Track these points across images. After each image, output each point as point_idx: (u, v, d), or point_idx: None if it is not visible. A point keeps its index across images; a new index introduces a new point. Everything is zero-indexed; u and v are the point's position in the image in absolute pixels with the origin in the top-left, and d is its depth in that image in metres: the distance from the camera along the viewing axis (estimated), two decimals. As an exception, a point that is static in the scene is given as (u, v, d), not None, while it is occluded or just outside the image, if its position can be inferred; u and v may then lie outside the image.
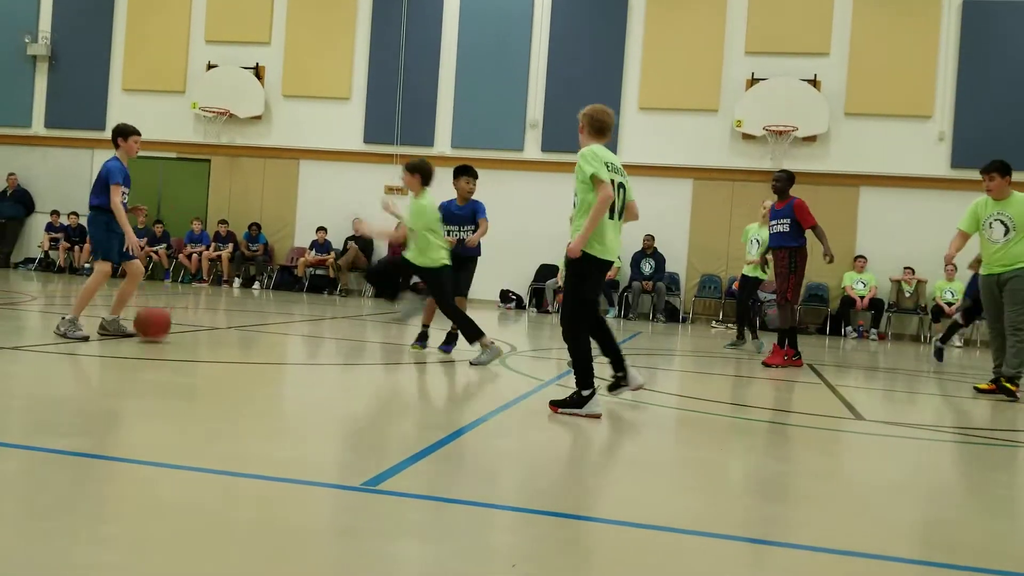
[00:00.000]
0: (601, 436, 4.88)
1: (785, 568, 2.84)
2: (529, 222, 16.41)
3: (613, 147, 17.37)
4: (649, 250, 16.07)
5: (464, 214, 8.16)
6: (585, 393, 5.12)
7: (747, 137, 16.08)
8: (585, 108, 5.51)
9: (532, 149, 16.97)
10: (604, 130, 5.52)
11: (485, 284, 16.79)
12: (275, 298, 15.14)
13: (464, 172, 8.28)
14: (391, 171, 17.25)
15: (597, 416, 5.09)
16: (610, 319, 15.67)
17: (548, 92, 16.85)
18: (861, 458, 4.93)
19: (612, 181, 5.22)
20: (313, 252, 17.21)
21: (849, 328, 15.30)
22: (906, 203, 15.51)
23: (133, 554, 2.47)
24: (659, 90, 16.50)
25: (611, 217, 5.24)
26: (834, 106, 15.82)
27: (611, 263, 5.35)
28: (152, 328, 7.03)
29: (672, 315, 16.03)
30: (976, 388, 7.58)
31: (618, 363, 5.52)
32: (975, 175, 15.16)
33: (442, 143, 17.24)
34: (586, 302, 5.32)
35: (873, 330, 15.08)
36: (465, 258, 8.02)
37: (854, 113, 15.82)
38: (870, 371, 9.83)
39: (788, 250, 8.90)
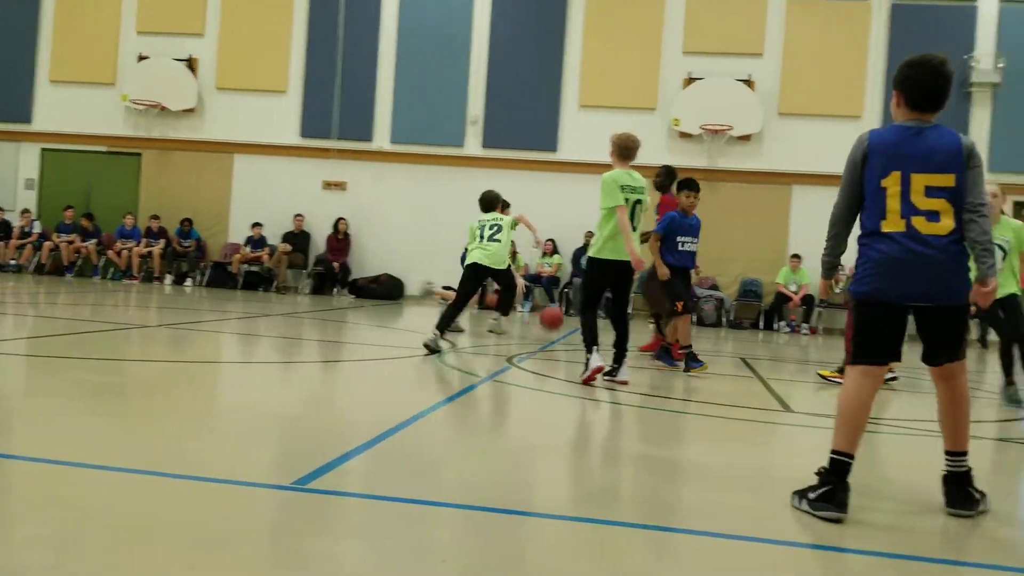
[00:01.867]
0: (526, 430, 4.89)
1: (689, 554, 2.88)
2: (470, 219, 16.39)
3: (552, 144, 17.44)
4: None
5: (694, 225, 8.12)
6: (588, 356, 6.36)
7: (684, 136, 16.29)
8: (613, 135, 6.80)
9: (473, 145, 16.94)
10: (629, 154, 6.68)
11: (427, 280, 16.74)
12: (208, 295, 14.86)
13: (688, 186, 8.18)
14: (329, 166, 17.08)
15: (599, 369, 6.32)
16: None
17: (489, 88, 16.83)
18: (791, 449, 5.03)
19: (628, 200, 6.52)
20: (248, 248, 16.93)
21: (782, 323, 15.60)
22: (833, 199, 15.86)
23: (59, 555, 2.40)
24: (599, 88, 16.60)
25: (633, 230, 6.57)
26: (768, 106, 16.11)
27: (621, 262, 6.50)
28: None
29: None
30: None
31: (618, 358, 6.54)
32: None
33: (381, 138, 17.09)
34: (592, 297, 6.73)
35: (805, 325, 15.41)
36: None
37: (787, 113, 16.14)
38: (801, 365, 10.03)
39: None
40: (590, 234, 15.99)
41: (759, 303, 16.00)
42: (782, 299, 15.49)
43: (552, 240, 16.43)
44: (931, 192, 3.39)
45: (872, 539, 3.18)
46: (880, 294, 3.44)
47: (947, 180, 3.39)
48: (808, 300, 15.45)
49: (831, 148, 15.95)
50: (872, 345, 3.49)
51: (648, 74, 16.51)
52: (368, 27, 17.16)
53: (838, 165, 14.78)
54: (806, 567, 2.95)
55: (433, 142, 16.88)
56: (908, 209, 3.40)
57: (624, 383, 6.43)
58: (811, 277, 15.64)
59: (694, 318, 15.58)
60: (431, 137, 16.91)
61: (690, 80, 16.34)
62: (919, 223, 3.38)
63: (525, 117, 16.73)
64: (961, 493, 3.45)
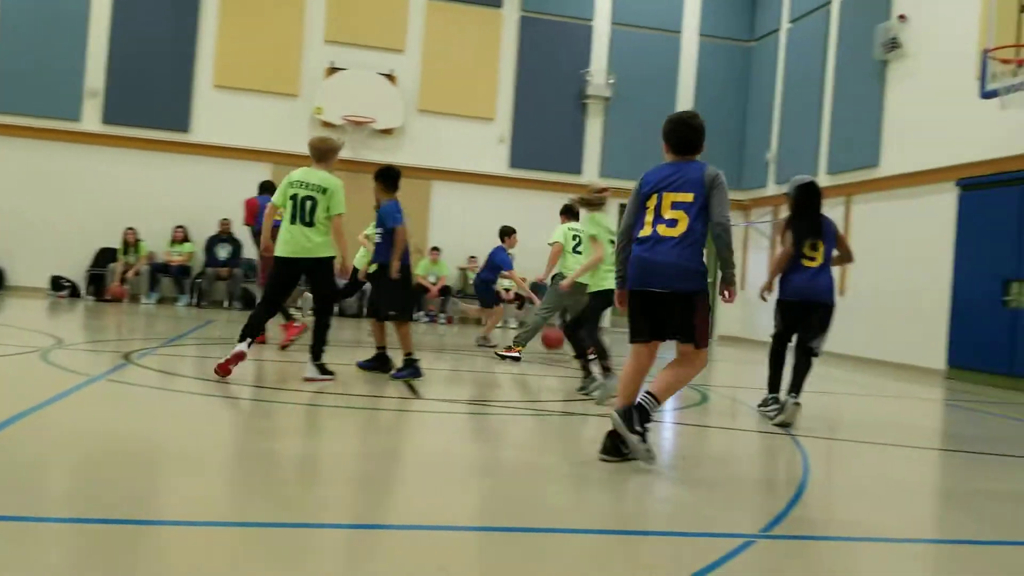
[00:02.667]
0: (149, 433, 4.53)
1: (375, 547, 2.83)
2: (92, 202, 14.97)
3: (184, 124, 16.36)
4: (225, 234, 15.46)
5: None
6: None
7: (327, 125, 16.13)
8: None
9: (92, 120, 15.39)
10: (319, 156, 6.75)
11: (32, 270, 14.96)
12: None
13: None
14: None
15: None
16: (180, 307, 14.81)
17: (112, 58, 15.40)
18: (415, 434, 5.15)
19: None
20: None
21: (421, 313, 16.08)
22: (472, 198, 16.67)
23: None
24: (237, 69, 15.90)
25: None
26: (409, 102, 16.49)
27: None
28: None
29: (249, 303, 15.57)
30: None
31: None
32: (530, 175, 16.97)
33: (-22, 106, 14.95)
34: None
35: (442, 314, 16.02)
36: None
37: (427, 110, 16.63)
38: (437, 353, 10.38)
39: None
40: (226, 221, 15.36)
41: (399, 294, 16.32)
42: (421, 290, 15.95)
43: (183, 227, 15.49)
44: (675, 206, 4.34)
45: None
46: (633, 284, 4.35)
47: (687, 197, 4.34)
48: (446, 291, 16.08)
49: (468, 147, 16.80)
50: (634, 328, 4.39)
51: (290, 59, 16.14)
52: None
53: (475, 163, 15.66)
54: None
55: (42, 113, 15.10)
56: (656, 219, 4.36)
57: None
58: (449, 269, 16.30)
59: (336, 309, 15.58)
60: (40, 108, 15.10)
61: (333, 70, 16.23)
62: (660, 228, 4.32)
63: (154, 93, 15.57)
64: (631, 416, 4.22)
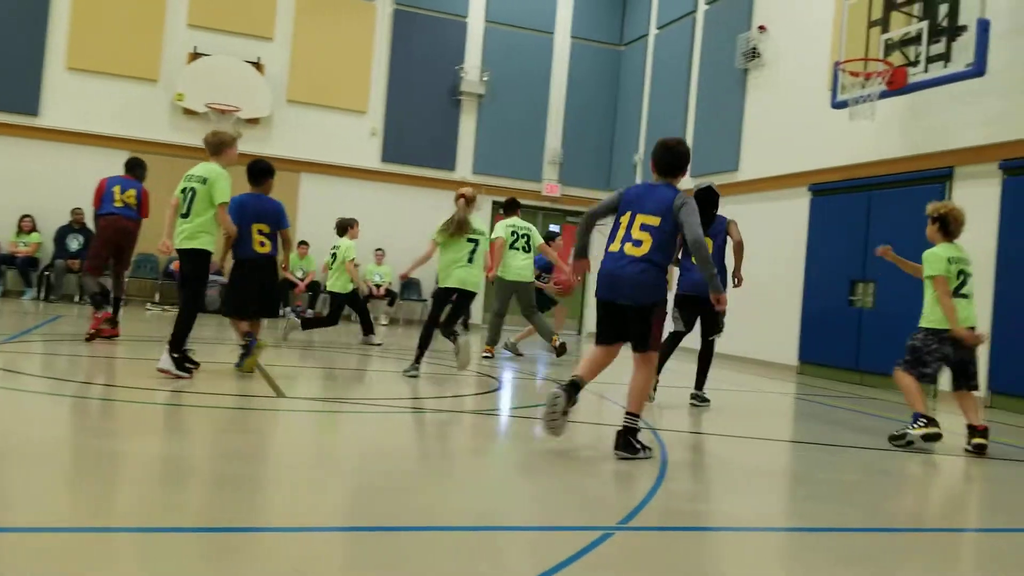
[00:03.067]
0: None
1: (185, 550, 2.72)
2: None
3: (33, 108, 15.53)
4: (78, 224, 14.67)
5: None
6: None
7: (189, 112, 15.56)
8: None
9: (-72, 99, 14.34)
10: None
11: None
12: None
13: None
14: None
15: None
16: (26, 301, 13.97)
17: (-48, 35, 14.38)
18: (277, 434, 5.02)
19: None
20: None
21: (287, 308, 15.69)
22: (342, 191, 16.40)
23: None
24: (92, 50, 15.12)
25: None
26: (277, 91, 16.08)
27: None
28: None
29: (103, 297, 14.82)
30: None
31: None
32: (402, 169, 16.83)
33: None
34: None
35: (310, 310, 15.68)
36: None
37: (296, 101, 16.26)
38: (305, 350, 10.16)
39: None
40: (79, 211, 14.56)
41: (265, 289, 15.89)
42: (288, 285, 15.58)
43: (31, 217, 14.63)
44: (643, 227, 4.76)
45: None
46: (600, 295, 4.86)
47: (654, 221, 4.76)
48: (314, 286, 15.75)
49: (338, 139, 16.51)
50: (599, 332, 4.97)
51: (150, 42, 15.46)
52: None
53: (345, 156, 15.46)
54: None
55: None
56: (626, 237, 4.78)
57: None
58: (317, 264, 15.97)
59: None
60: None
61: (196, 55, 15.65)
62: (627, 247, 4.75)
63: (0, 74, 14.63)
64: (623, 441, 4.69)
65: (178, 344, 6.29)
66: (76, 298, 14.53)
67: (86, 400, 5.54)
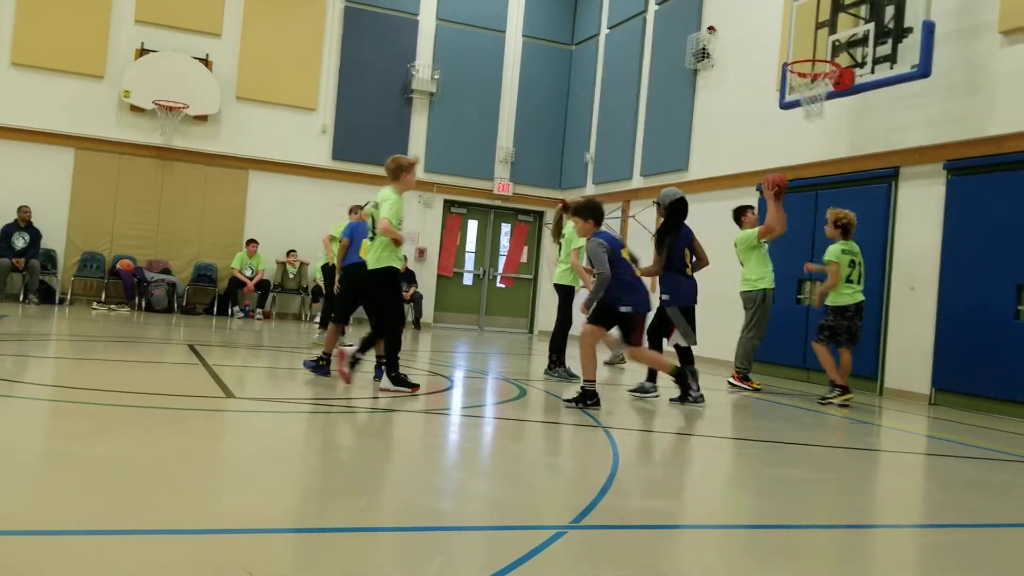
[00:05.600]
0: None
1: (152, 552, 2.65)
2: None
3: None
4: (23, 223, 14.31)
5: None
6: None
7: (136, 109, 15.27)
8: None
9: None
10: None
11: None
12: None
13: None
14: None
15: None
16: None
17: None
18: (226, 434, 4.94)
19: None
20: None
21: (236, 308, 15.50)
22: (292, 189, 16.22)
23: None
24: (37, 46, 14.76)
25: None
26: (226, 88, 15.85)
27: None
28: None
29: (48, 296, 14.51)
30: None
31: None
32: (353, 167, 16.70)
33: None
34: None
35: (259, 310, 15.50)
36: None
37: (245, 98, 16.04)
38: (253, 349, 10.03)
39: None
40: (25, 209, 14.21)
41: (214, 288, 15.70)
42: (237, 284, 15.38)
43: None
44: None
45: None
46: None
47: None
48: (263, 285, 15.56)
49: (288, 137, 16.33)
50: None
51: (95, 38, 15.13)
52: None
53: (294, 154, 15.33)
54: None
55: None
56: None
57: None
58: (267, 263, 15.78)
59: (142, 303, 14.79)
60: None
61: (143, 51, 15.35)
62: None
63: (-63, 67, 14.23)
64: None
65: (395, 365, 6.66)
66: (21, 297, 14.17)
67: (33, 401, 5.39)
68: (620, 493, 4.01)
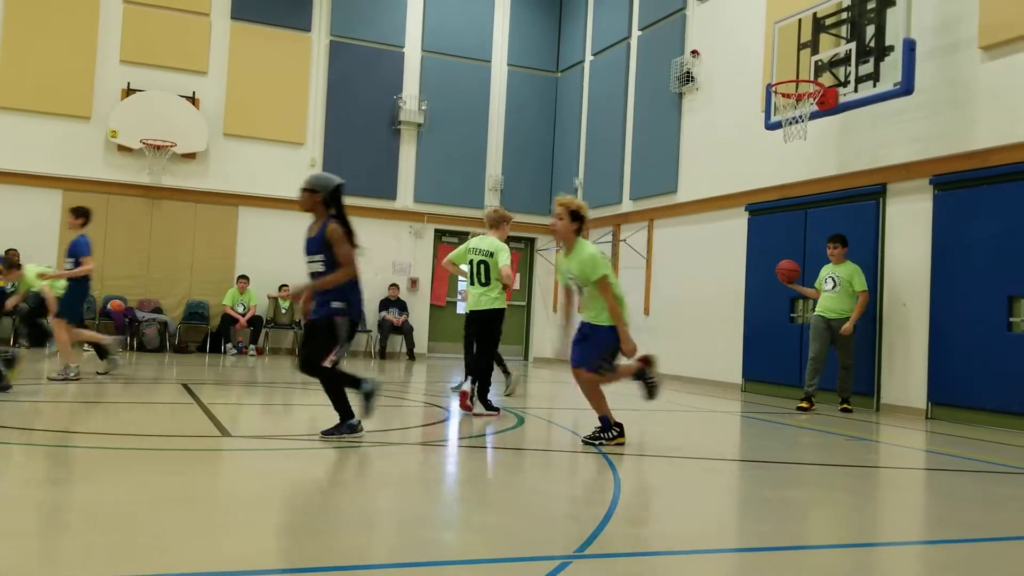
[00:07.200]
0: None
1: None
2: None
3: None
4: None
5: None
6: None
7: (123, 149, 15.28)
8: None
9: None
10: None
11: None
12: None
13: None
14: None
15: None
16: (-43, 346, 13.48)
17: None
18: (223, 475, 4.90)
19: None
20: None
21: (229, 345, 15.43)
22: (282, 223, 16.19)
23: None
24: (21, 87, 14.77)
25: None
26: (213, 125, 15.88)
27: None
28: None
29: (39, 338, 14.38)
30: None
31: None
32: (343, 200, 16.62)
33: None
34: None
35: (252, 346, 15.44)
36: None
37: (233, 134, 16.07)
38: (248, 386, 9.98)
39: None
40: (13, 252, 14.12)
41: (206, 325, 15.63)
42: (229, 321, 15.33)
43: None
44: None
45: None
46: None
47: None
48: (256, 321, 15.51)
49: (276, 172, 16.34)
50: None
51: (82, 79, 15.16)
52: None
53: (283, 189, 15.32)
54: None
55: None
56: None
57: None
58: (258, 299, 15.74)
59: (133, 343, 14.70)
60: None
61: (129, 91, 15.39)
62: None
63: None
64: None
65: (486, 394, 7.76)
66: (11, 341, 14.07)
67: (9, 447, 5.33)
68: (623, 520, 3.98)
